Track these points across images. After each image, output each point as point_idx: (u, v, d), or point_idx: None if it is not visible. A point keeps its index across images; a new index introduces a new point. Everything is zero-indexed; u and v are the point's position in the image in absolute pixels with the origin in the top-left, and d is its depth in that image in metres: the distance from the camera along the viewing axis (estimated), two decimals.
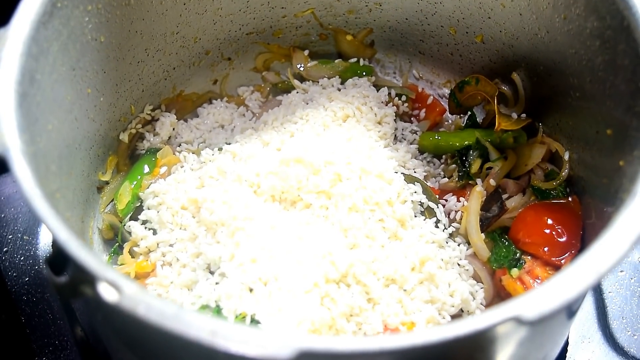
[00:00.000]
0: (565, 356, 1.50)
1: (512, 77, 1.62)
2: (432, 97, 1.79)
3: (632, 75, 1.22)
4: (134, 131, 1.68)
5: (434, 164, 1.68)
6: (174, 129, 1.73)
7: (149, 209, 1.55)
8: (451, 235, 1.53)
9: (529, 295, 0.96)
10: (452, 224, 1.54)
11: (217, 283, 1.37)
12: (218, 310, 1.32)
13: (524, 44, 1.57)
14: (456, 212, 1.56)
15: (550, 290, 0.96)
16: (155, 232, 1.52)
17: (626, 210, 1.05)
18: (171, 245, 1.49)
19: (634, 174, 1.12)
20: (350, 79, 1.76)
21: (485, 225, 1.52)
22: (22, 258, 1.63)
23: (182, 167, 1.61)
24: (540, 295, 0.95)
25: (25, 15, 1.22)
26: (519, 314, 0.93)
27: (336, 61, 1.81)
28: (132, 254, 1.51)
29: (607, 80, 1.31)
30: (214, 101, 1.80)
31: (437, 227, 1.51)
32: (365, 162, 1.49)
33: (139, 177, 1.61)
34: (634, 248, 1.57)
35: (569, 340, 1.52)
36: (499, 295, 1.49)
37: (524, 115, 1.63)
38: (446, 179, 1.63)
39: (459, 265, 1.48)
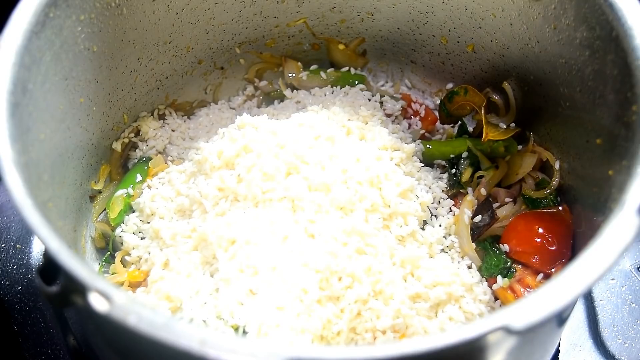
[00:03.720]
0: None
1: (503, 86, 1.63)
2: (424, 106, 1.79)
3: (620, 85, 1.23)
4: (126, 140, 1.68)
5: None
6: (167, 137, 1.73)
7: (140, 217, 1.56)
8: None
9: (517, 304, 0.96)
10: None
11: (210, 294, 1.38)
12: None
13: (515, 54, 1.58)
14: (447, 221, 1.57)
15: (539, 299, 0.97)
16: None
17: (615, 219, 1.06)
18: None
19: (623, 183, 1.12)
20: (343, 88, 1.76)
21: (476, 234, 1.53)
22: (14, 267, 1.63)
23: (173, 174, 1.61)
24: (529, 305, 0.96)
25: (18, 25, 1.22)
26: (508, 324, 0.93)
27: (328, 70, 1.82)
28: (124, 263, 1.52)
29: (597, 90, 1.32)
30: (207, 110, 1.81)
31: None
32: (360, 172, 1.49)
33: (132, 185, 1.61)
34: (624, 256, 1.62)
35: (560, 348, 1.52)
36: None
37: (513, 124, 1.64)
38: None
39: None
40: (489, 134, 1.60)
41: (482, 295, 1.43)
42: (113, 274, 1.49)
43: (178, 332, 0.92)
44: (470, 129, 1.73)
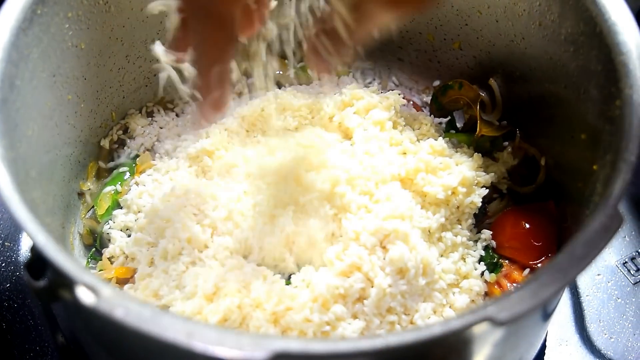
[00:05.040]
0: (543, 359, 1.52)
1: (489, 83, 1.64)
2: (411, 102, 1.80)
3: (604, 80, 1.24)
4: (114, 137, 1.68)
5: None
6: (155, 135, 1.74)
7: (128, 214, 1.56)
8: None
9: (502, 296, 0.97)
10: None
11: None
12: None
13: (501, 51, 1.59)
14: None
15: (523, 291, 0.97)
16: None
17: (598, 213, 1.07)
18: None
19: (607, 178, 1.13)
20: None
21: None
22: (2, 264, 1.63)
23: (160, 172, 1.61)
24: (513, 297, 0.97)
25: (5, 21, 1.23)
26: (492, 315, 0.94)
27: None
28: (111, 259, 1.51)
29: (581, 86, 1.33)
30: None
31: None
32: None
33: (119, 182, 1.61)
34: (610, 252, 1.63)
35: (547, 342, 1.53)
36: None
37: (504, 122, 1.65)
38: None
39: None
40: (482, 130, 1.61)
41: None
42: (100, 270, 1.49)
43: (165, 325, 0.92)
44: (459, 125, 1.74)
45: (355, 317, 1.29)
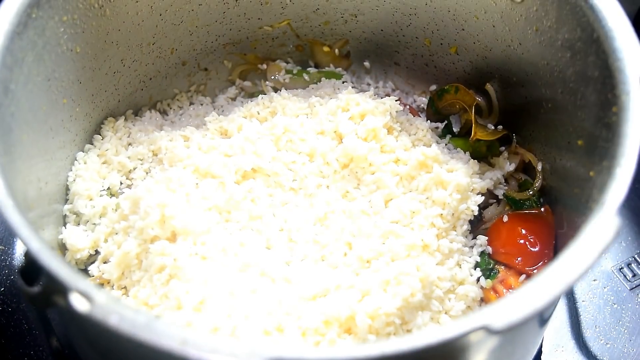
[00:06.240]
0: None
1: (486, 88, 1.64)
2: (408, 106, 1.80)
3: (601, 86, 1.24)
4: None
5: None
6: None
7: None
8: None
9: (498, 304, 0.97)
10: None
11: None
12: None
13: (497, 56, 1.59)
14: None
15: (518, 299, 0.97)
16: None
17: (595, 219, 1.06)
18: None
19: (603, 184, 1.13)
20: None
21: None
22: None
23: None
24: (509, 305, 0.96)
25: (0, 25, 1.22)
26: (488, 323, 0.94)
27: (311, 71, 1.82)
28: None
29: (578, 92, 1.33)
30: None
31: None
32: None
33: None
34: (606, 258, 1.63)
35: (543, 348, 1.53)
36: None
37: (500, 127, 1.65)
38: None
39: None
40: (477, 133, 1.61)
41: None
42: (93, 276, 1.48)
43: (159, 332, 0.92)
44: (456, 130, 1.73)
45: (349, 332, 1.29)
